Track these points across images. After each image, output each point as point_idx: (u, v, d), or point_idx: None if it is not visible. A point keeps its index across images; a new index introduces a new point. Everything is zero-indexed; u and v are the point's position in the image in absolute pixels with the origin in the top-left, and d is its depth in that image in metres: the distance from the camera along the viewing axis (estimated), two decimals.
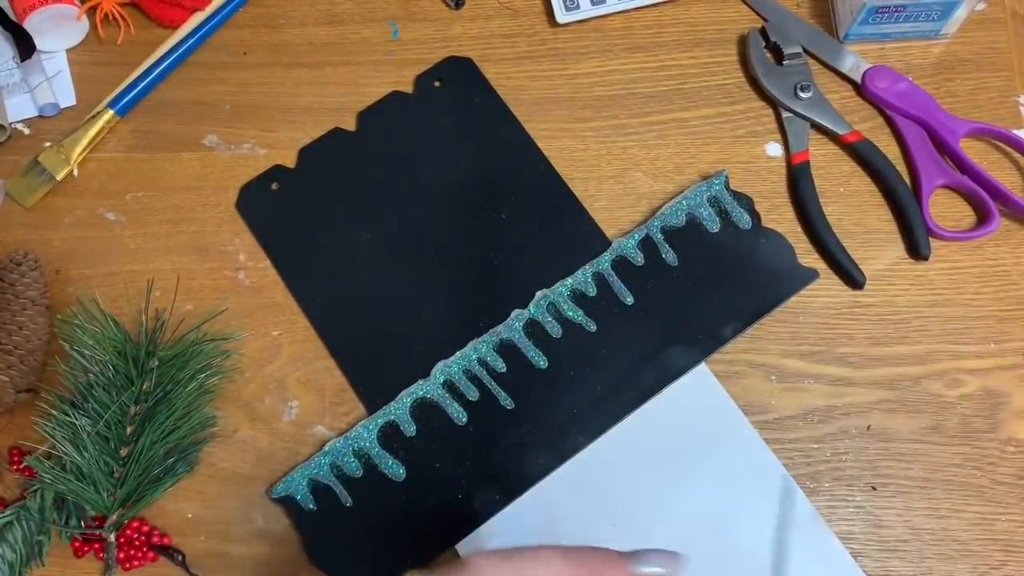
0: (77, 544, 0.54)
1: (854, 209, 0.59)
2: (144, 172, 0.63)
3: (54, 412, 0.53)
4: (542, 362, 0.56)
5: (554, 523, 0.53)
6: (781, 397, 0.56)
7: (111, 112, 0.63)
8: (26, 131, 0.64)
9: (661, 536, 0.53)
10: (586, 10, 0.64)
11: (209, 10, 0.66)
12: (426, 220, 0.60)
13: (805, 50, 0.63)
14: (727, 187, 0.59)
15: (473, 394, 0.55)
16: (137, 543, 0.53)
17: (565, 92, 0.63)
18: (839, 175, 0.60)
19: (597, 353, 0.56)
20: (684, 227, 0.58)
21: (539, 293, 0.57)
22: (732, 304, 0.57)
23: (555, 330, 0.56)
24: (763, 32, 0.63)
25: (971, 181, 0.59)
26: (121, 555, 0.53)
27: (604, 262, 0.58)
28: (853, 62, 0.63)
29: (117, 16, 0.66)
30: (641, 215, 0.60)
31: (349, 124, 0.63)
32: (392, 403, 0.55)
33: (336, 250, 0.60)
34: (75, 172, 0.63)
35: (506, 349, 0.56)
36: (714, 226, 0.58)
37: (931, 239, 0.58)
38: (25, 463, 0.54)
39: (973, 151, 0.60)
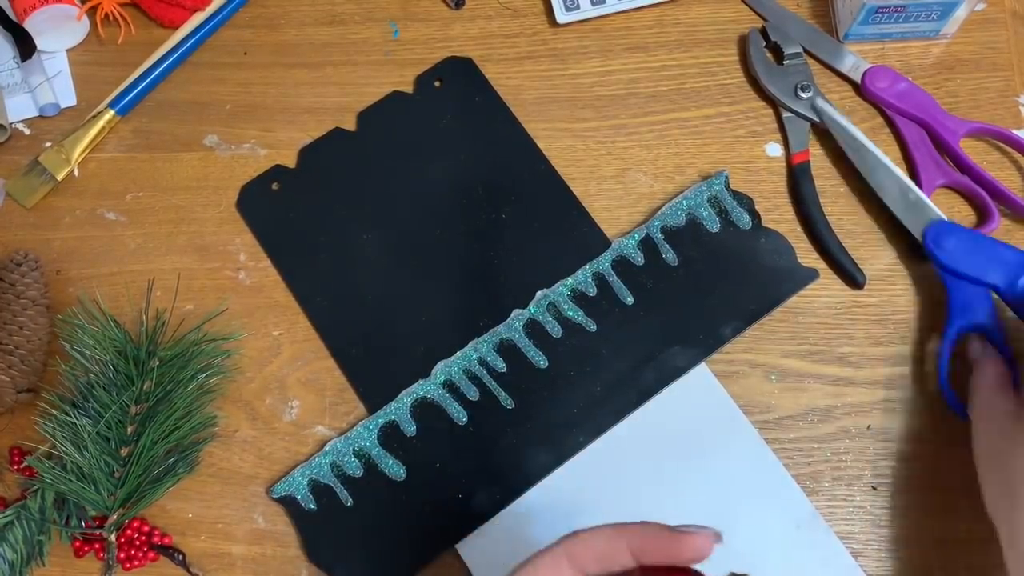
0: (77, 544, 0.54)
1: (854, 209, 0.59)
2: (144, 172, 0.63)
3: (54, 412, 0.53)
4: (542, 362, 0.56)
5: (554, 523, 0.53)
6: (781, 397, 0.56)
7: (111, 112, 0.63)
8: (26, 131, 0.64)
9: None
10: (586, 10, 0.64)
11: (209, 10, 0.66)
12: (426, 220, 0.60)
13: (805, 50, 0.63)
14: (727, 187, 0.59)
15: (473, 394, 0.55)
16: (137, 543, 0.53)
17: (565, 92, 0.63)
18: (839, 175, 0.60)
19: (597, 353, 0.56)
20: (684, 227, 0.58)
21: (539, 293, 0.57)
22: (732, 304, 0.57)
23: (555, 330, 0.57)
24: (763, 32, 0.63)
25: (971, 181, 0.59)
26: (121, 555, 0.53)
27: (604, 262, 0.58)
28: (853, 62, 0.63)
29: (117, 16, 0.66)
30: (641, 215, 0.60)
31: (349, 124, 0.63)
32: (392, 403, 0.55)
33: (336, 250, 0.60)
34: (75, 172, 0.63)
35: (506, 349, 0.56)
36: (714, 226, 0.58)
37: None
38: (26, 463, 0.54)
39: (973, 151, 0.60)
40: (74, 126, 0.63)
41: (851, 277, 0.57)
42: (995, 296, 0.55)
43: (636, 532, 0.38)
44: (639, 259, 0.58)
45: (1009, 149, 0.61)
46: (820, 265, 0.58)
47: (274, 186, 0.62)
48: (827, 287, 0.58)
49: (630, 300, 0.57)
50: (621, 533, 0.38)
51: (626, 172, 0.61)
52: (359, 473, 0.54)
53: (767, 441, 0.54)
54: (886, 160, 0.58)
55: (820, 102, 0.60)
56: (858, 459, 0.54)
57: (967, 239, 0.55)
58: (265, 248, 0.60)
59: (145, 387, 0.54)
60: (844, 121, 0.58)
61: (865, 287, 0.58)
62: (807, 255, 0.58)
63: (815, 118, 0.61)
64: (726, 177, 0.59)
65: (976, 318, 0.54)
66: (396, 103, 0.63)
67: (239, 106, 0.64)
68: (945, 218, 0.56)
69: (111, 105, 0.63)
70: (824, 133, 0.61)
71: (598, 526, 0.38)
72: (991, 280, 0.54)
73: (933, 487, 0.53)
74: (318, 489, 0.54)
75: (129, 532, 0.53)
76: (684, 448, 0.54)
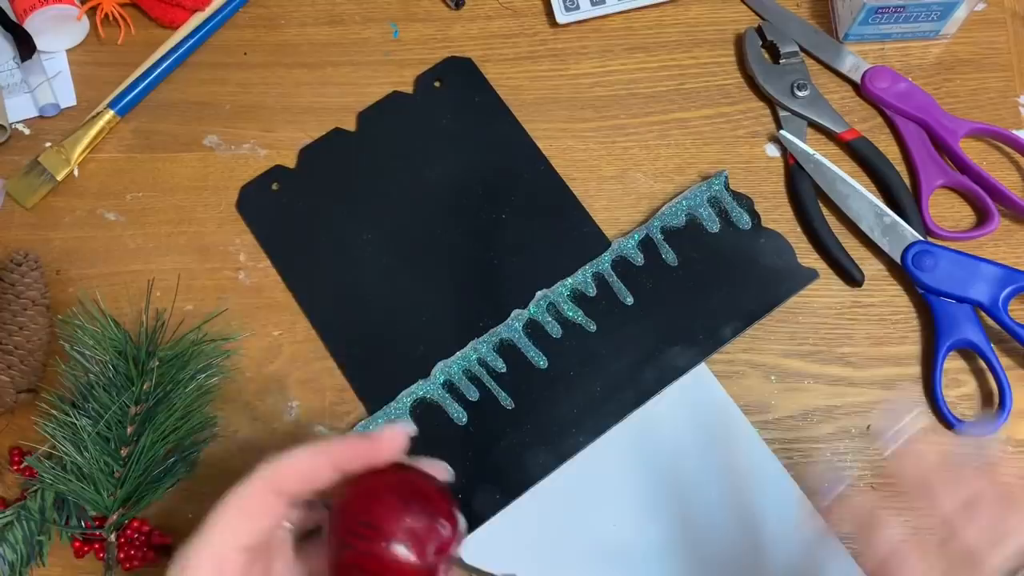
0: (77, 544, 0.54)
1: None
2: (144, 172, 0.63)
3: (54, 412, 0.53)
4: (542, 362, 0.56)
5: (554, 523, 0.53)
6: (781, 397, 0.56)
7: (111, 112, 0.63)
8: (26, 131, 0.64)
9: (660, 536, 0.53)
10: (586, 10, 0.64)
11: (209, 10, 0.66)
12: (426, 220, 0.60)
13: (804, 50, 0.63)
14: (727, 187, 0.59)
15: (473, 394, 0.55)
16: (137, 543, 0.53)
17: (565, 92, 0.63)
18: None
19: (597, 353, 0.56)
20: (684, 227, 0.58)
21: (539, 293, 0.57)
22: (732, 304, 0.57)
23: (555, 330, 0.57)
24: (759, 31, 0.63)
25: (971, 181, 0.59)
26: (121, 555, 0.53)
27: (604, 262, 0.58)
28: (853, 62, 0.63)
29: (117, 16, 0.66)
30: (641, 215, 0.60)
31: (349, 124, 0.63)
32: (392, 403, 0.55)
33: (336, 250, 0.60)
34: (75, 172, 0.63)
35: (506, 349, 0.56)
36: (714, 226, 0.58)
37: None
38: (25, 463, 0.54)
39: (973, 151, 0.60)
40: (74, 126, 0.63)
41: (849, 275, 0.57)
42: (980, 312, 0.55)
43: (333, 446, 0.39)
44: (639, 259, 0.58)
45: (1009, 149, 0.61)
46: (820, 265, 0.58)
47: (274, 186, 0.62)
48: (827, 287, 0.58)
49: (630, 300, 0.57)
50: (319, 450, 0.39)
51: (626, 172, 0.61)
52: None
53: (767, 441, 0.54)
54: (858, 186, 0.58)
55: (784, 133, 0.60)
56: (858, 459, 0.54)
57: (947, 258, 0.55)
58: (265, 248, 0.60)
59: (145, 387, 0.54)
60: (812, 152, 0.58)
61: (864, 287, 0.58)
62: (807, 255, 0.58)
63: (813, 117, 0.61)
64: (726, 177, 0.59)
65: (964, 335, 0.55)
66: (396, 103, 0.63)
67: (239, 106, 0.64)
68: (922, 239, 0.56)
69: (111, 105, 0.63)
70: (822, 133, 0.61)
71: (295, 448, 0.39)
72: (974, 297, 0.55)
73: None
74: None
75: (129, 532, 0.53)
76: (684, 448, 0.54)
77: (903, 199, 0.58)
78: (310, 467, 0.40)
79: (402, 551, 0.36)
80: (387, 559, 0.36)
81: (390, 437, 0.40)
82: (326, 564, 0.39)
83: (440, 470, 0.41)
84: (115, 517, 0.53)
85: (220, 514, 0.38)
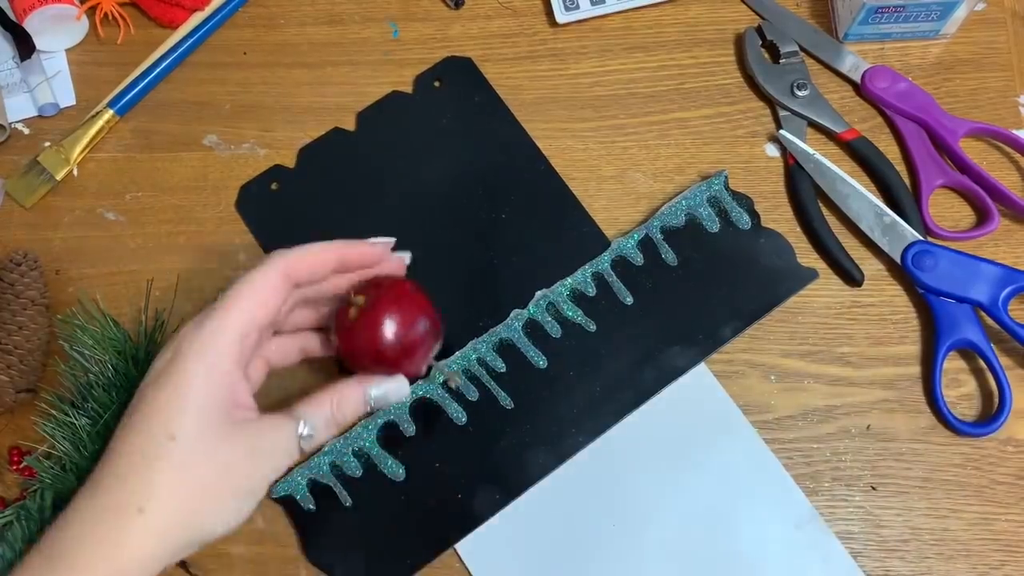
0: None
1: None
2: (144, 172, 0.63)
3: (54, 412, 0.53)
4: (542, 362, 0.56)
5: (554, 523, 0.53)
6: (781, 397, 0.56)
7: (111, 112, 0.63)
8: (26, 131, 0.64)
9: (660, 536, 0.53)
10: (586, 10, 0.64)
11: (209, 10, 0.66)
12: (425, 220, 0.60)
13: (804, 49, 0.63)
14: (727, 187, 0.59)
15: (473, 394, 0.55)
16: None
17: (565, 92, 0.63)
18: None
19: (597, 353, 0.56)
20: (684, 227, 0.58)
21: (539, 293, 0.57)
22: (732, 304, 0.57)
23: (555, 330, 0.56)
24: (759, 30, 0.63)
25: (971, 181, 0.59)
26: None
27: (604, 262, 0.58)
28: (852, 62, 0.63)
29: (117, 16, 0.66)
30: (641, 215, 0.60)
31: (349, 124, 0.63)
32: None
33: None
34: (75, 172, 0.63)
35: (506, 349, 0.56)
36: (714, 226, 0.58)
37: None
38: (25, 463, 0.54)
39: (973, 151, 0.60)
40: (73, 126, 0.63)
41: (849, 275, 0.57)
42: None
43: (339, 245, 0.47)
44: (638, 259, 0.58)
45: (1009, 149, 0.61)
46: (819, 265, 0.58)
47: (273, 186, 0.62)
48: (826, 287, 0.58)
49: (629, 300, 0.57)
50: (326, 246, 0.47)
51: (626, 172, 0.61)
52: (358, 473, 0.54)
53: (767, 441, 0.54)
54: (858, 186, 0.58)
55: (783, 132, 0.60)
56: (858, 459, 0.54)
57: (947, 258, 0.55)
58: (264, 248, 0.60)
59: None
60: (812, 151, 0.58)
61: (864, 287, 0.58)
62: (806, 255, 0.58)
63: (812, 117, 0.61)
64: (725, 177, 0.59)
65: (964, 335, 0.55)
66: (395, 103, 0.63)
67: (238, 106, 0.64)
68: (922, 238, 0.56)
69: (110, 105, 0.63)
70: (821, 133, 0.61)
71: (306, 244, 0.46)
72: (974, 297, 0.55)
73: (933, 487, 0.53)
74: (317, 489, 0.54)
75: None
76: (683, 448, 0.54)
77: (903, 199, 0.58)
78: (318, 258, 0.46)
79: (391, 339, 0.46)
80: (377, 342, 0.46)
81: (382, 248, 0.49)
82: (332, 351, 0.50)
83: (402, 258, 0.51)
84: None
85: (240, 293, 0.44)
